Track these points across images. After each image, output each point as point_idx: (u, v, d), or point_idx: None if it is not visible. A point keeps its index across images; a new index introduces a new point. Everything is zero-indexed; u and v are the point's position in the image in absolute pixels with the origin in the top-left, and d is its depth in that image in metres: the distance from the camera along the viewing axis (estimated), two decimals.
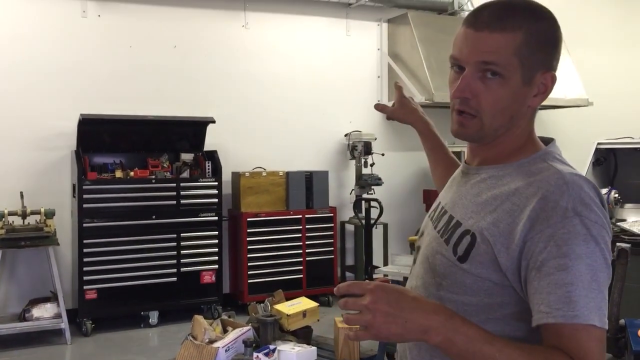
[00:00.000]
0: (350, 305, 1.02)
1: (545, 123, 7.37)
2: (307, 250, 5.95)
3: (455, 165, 1.53)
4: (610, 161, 5.17)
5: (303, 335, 3.08)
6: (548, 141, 1.22)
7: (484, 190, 1.17)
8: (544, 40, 1.14)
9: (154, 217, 5.33)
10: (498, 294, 1.10)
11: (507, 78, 1.12)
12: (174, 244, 5.41)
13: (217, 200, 5.56)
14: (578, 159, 5.39)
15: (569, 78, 6.96)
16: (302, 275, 5.92)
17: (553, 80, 1.16)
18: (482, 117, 1.15)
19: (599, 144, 5.08)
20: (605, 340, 1.03)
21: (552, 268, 1.02)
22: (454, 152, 1.68)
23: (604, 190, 4.88)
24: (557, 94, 6.86)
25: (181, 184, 5.45)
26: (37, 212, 5.00)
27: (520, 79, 1.13)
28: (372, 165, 6.26)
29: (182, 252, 5.43)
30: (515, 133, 1.18)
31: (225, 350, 2.73)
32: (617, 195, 4.82)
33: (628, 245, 3.28)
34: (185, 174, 5.59)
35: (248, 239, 5.71)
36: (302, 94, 6.41)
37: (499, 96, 1.13)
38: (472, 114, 1.15)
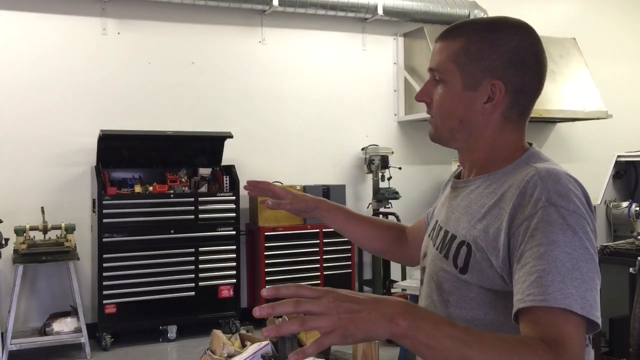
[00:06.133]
0: (308, 306, 0.89)
1: (564, 136, 7.32)
2: (324, 265, 5.95)
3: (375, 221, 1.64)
4: (631, 174, 5.11)
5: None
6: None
7: (473, 201, 1.18)
8: (488, 48, 1.15)
9: (172, 231, 5.36)
10: (501, 307, 1.09)
11: (447, 82, 1.18)
12: (192, 258, 5.43)
13: (234, 214, 5.58)
14: (597, 172, 5.37)
15: (587, 90, 6.89)
16: None
17: (500, 89, 1.15)
18: (435, 120, 1.23)
19: (618, 156, 5.03)
20: (585, 334, 0.97)
21: (528, 258, 1.01)
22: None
23: (625, 204, 4.83)
24: (576, 106, 6.84)
25: (199, 199, 5.48)
26: (58, 227, 5.06)
27: (460, 84, 1.17)
28: (389, 179, 6.25)
29: (200, 266, 5.45)
30: (486, 141, 1.20)
31: None
32: (638, 208, 4.76)
33: None
34: (203, 189, 5.62)
35: (266, 253, 5.72)
36: (318, 108, 6.43)
37: (442, 99, 1.20)
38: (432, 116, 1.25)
